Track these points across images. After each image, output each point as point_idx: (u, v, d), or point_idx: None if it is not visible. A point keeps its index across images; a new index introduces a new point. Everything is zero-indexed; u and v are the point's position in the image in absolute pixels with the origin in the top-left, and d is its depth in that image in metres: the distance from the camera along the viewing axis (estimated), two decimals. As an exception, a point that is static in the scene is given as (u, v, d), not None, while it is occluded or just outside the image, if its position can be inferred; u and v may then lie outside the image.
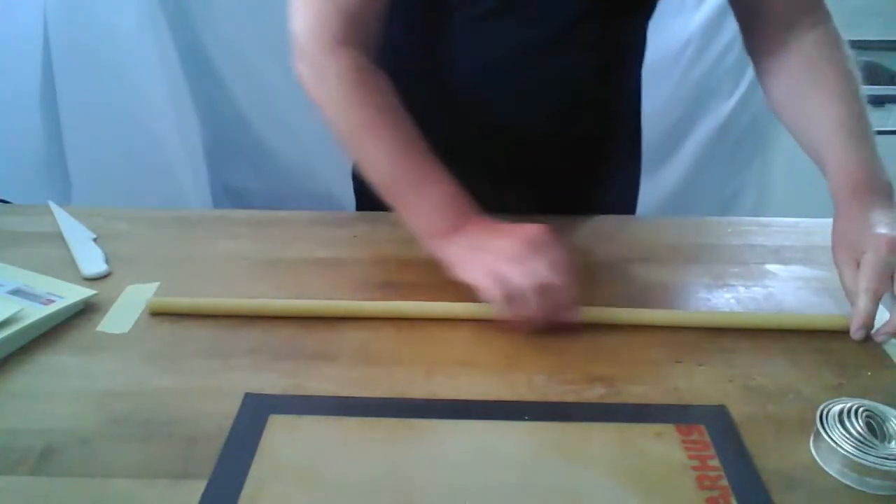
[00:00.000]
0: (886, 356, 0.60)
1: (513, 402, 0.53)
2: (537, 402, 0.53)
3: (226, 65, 1.50)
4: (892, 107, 1.73)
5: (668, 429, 0.51)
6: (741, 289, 0.69)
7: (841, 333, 0.62)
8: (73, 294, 0.63)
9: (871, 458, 0.46)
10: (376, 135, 0.67)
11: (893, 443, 0.47)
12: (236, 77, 1.50)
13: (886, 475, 0.45)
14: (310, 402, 0.53)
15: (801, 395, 0.55)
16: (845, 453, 0.46)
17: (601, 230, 0.80)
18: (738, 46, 1.56)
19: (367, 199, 0.86)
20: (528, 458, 0.48)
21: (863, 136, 0.67)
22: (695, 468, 0.47)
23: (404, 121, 0.68)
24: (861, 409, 0.49)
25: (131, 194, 1.45)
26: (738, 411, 0.53)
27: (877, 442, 0.47)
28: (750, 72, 1.60)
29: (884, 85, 1.91)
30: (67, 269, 0.70)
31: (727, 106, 1.61)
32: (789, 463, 0.48)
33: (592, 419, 0.52)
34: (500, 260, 0.60)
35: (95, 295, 0.64)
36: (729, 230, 0.81)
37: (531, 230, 0.62)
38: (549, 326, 0.60)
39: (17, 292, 0.63)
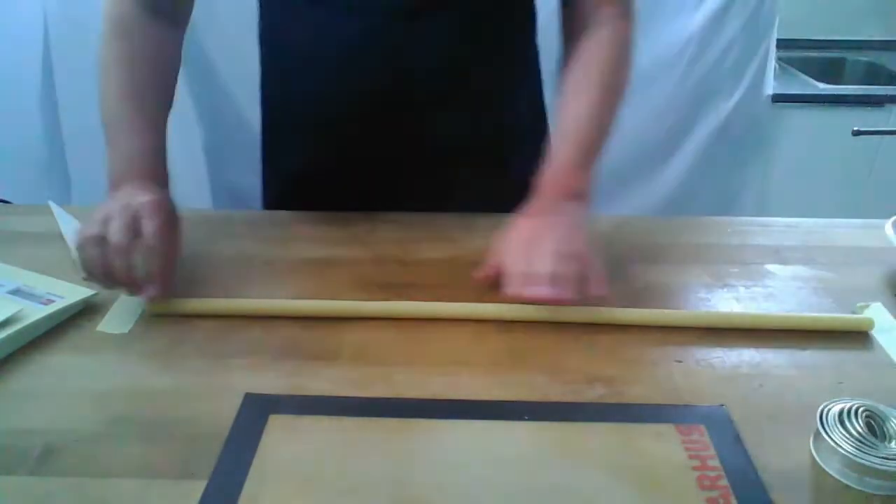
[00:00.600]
0: (886, 356, 0.60)
1: (513, 402, 0.53)
2: (537, 402, 0.53)
3: (226, 66, 1.50)
4: (892, 107, 1.73)
5: (668, 429, 0.51)
6: (741, 289, 0.69)
7: (841, 333, 0.62)
8: (73, 294, 0.63)
9: (871, 458, 0.46)
10: (109, 80, 0.71)
11: (893, 443, 0.47)
12: (236, 78, 1.50)
13: (886, 475, 0.45)
14: (310, 402, 0.53)
15: (801, 395, 0.55)
16: (845, 453, 0.46)
17: (601, 230, 0.80)
18: (738, 46, 1.57)
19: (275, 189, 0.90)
20: (528, 458, 0.48)
21: (585, 145, 0.72)
22: (695, 468, 0.47)
23: (143, 72, 0.72)
24: (861, 409, 0.49)
25: (131, 194, 1.45)
26: (738, 411, 0.53)
27: (877, 442, 0.47)
28: (750, 72, 1.60)
29: (884, 85, 1.91)
30: (67, 269, 0.70)
31: (727, 106, 1.61)
32: (789, 463, 0.48)
33: (592, 419, 0.52)
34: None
35: (95, 295, 0.64)
36: (729, 230, 0.81)
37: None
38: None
39: (17, 292, 0.63)
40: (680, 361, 0.58)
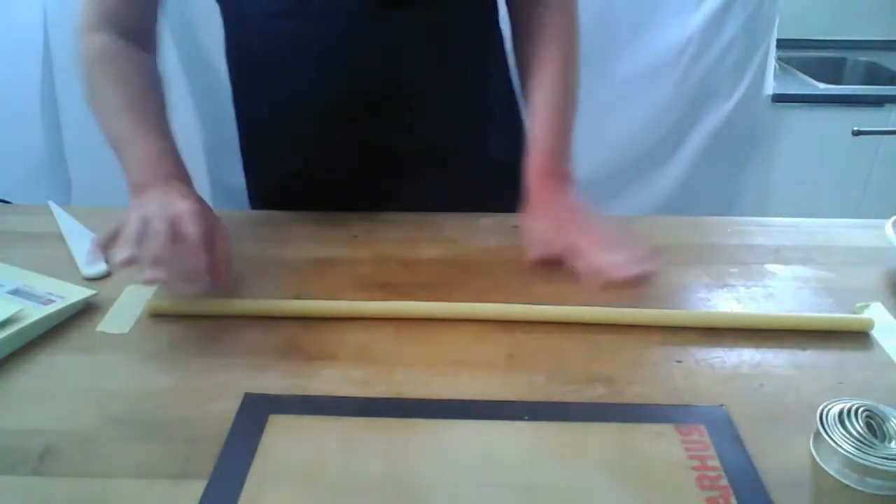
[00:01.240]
0: (886, 356, 0.60)
1: (513, 402, 0.53)
2: (537, 402, 0.53)
3: (226, 65, 1.50)
4: (892, 107, 1.73)
5: (668, 429, 0.51)
6: (741, 289, 0.69)
7: (841, 333, 0.62)
8: (73, 294, 0.63)
9: (871, 458, 0.46)
10: (106, 101, 0.73)
11: (893, 443, 0.47)
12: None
13: (886, 475, 0.45)
14: (310, 402, 0.53)
15: (801, 395, 0.55)
16: (845, 453, 0.46)
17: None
18: (738, 46, 1.57)
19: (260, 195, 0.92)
20: (528, 458, 0.48)
21: (560, 131, 0.77)
22: (695, 468, 0.47)
23: (136, 87, 0.74)
24: (861, 409, 0.49)
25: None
26: (738, 411, 0.53)
27: (877, 442, 0.47)
28: (750, 72, 1.60)
29: (884, 85, 1.91)
30: (67, 269, 0.70)
31: (727, 106, 1.61)
32: (789, 463, 0.48)
33: (592, 419, 0.52)
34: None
35: (95, 295, 0.64)
36: (729, 230, 0.81)
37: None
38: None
39: (17, 292, 0.63)
40: (680, 361, 0.58)
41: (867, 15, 2.07)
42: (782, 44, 1.71)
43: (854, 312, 0.65)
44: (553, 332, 0.62)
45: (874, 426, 0.48)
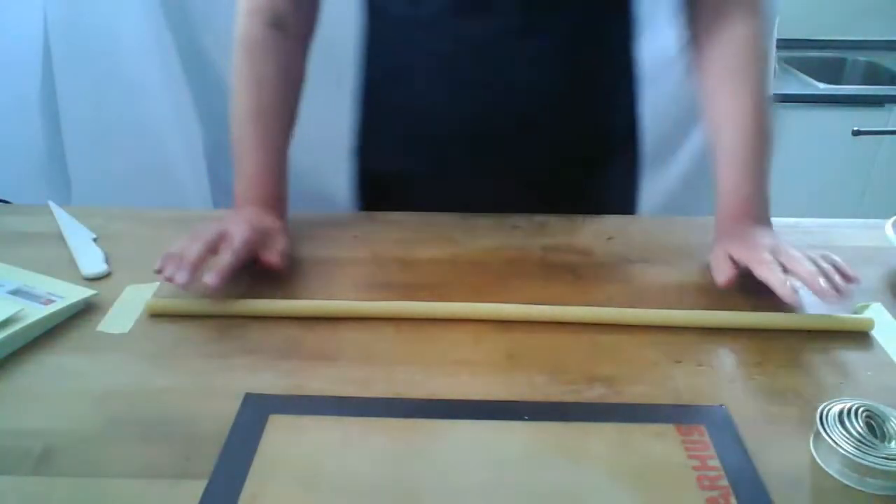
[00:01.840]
0: (886, 356, 0.60)
1: (513, 402, 0.53)
2: (537, 402, 0.53)
3: (226, 65, 1.50)
4: (892, 107, 1.73)
5: (668, 429, 0.51)
6: (741, 289, 0.69)
7: (841, 333, 0.62)
8: (73, 294, 0.63)
9: (871, 458, 0.46)
10: (240, 99, 0.76)
11: (893, 443, 0.47)
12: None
13: (886, 475, 0.45)
14: (310, 402, 0.53)
15: (801, 395, 0.55)
16: (845, 453, 0.46)
17: (601, 230, 0.80)
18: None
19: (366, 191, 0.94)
20: (528, 458, 0.48)
21: (756, 166, 0.71)
22: (695, 468, 0.47)
23: (268, 94, 0.76)
24: (861, 409, 0.49)
25: (131, 194, 1.45)
26: (738, 411, 0.53)
27: (877, 442, 0.47)
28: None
29: (884, 85, 1.91)
30: (67, 269, 0.70)
31: (728, 106, 1.61)
32: (789, 463, 0.48)
33: (592, 419, 0.52)
34: None
35: (95, 295, 0.64)
36: (729, 230, 0.81)
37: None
38: None
39: (17, 292, 0.63)
40: (680, 361, 0.58)
41: (867, 15, 2.07)
42: (782, 44, 1.71)
43: (854, 312, 0.65)
44: (553, 332, 0.62)
45: (874, 426, 0.48)
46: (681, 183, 1.68)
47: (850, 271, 0.63)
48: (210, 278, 0.62)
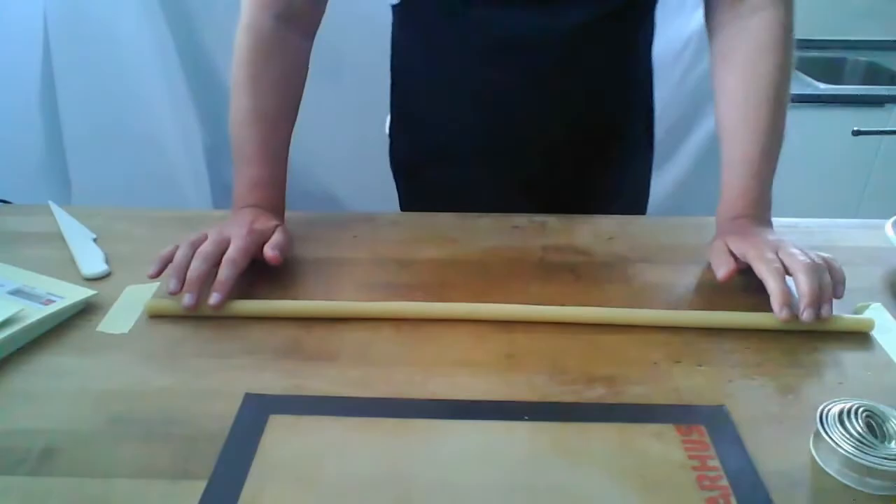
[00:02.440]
0: (886, 356, 0.60)
1: (513, 402, 0.53)
2: (537, 402, 0.53)
3: (226, 65, 1.50)
4: (892, 107, 1.73)
5: (668, 429, 0.51)
6: (741, 289, 0.69)
7: (841, 333, 0.62)
8: (73, 294, 0.63)
9: (871, 458, 0.46)
10: (241, 99, 0.75)
11: (893, 443, 0.47)
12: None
13: (886, 475, 0.45)
14: (310, 402, 0.53)
15: (801, 395, 0.55)
16: (845, 453, 0.46)
17: (601, 230, 0.80)
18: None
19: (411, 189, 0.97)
20: (528, 458, 0.48)
21: (762, 167, 0.72)
22: (695, 468, 0.47)
23: (272, 97, 0.75)
24: (861, 409, 0.49)
25: (131, 194, 1.45)
26: (738, 411, 0.53)
27: (877, 442, 0.47)
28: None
29: (884, 85, 1.91)
30: (67, 269, 0.70)
31: (728, 106, 1.61)
32: (789, 463, 0.48)
33: (592, 419, 0.52)
34: None
35: (95, 295, 0.64)
36: (729, 230, 0.80)
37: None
38: None
39: (17, 292, 0.63)
40: (680, 361, 0.58)
41: (867, 15, 2.06)
42: (782, 44, 1.71)
43: (854, 313, 0.65)
44: (553, 332, 0.62)
45: (874, 426, 0.48)
46: (681, 182, 1.68)
47: (840, 290, 0.63)
48: (214, 299, 0.62)
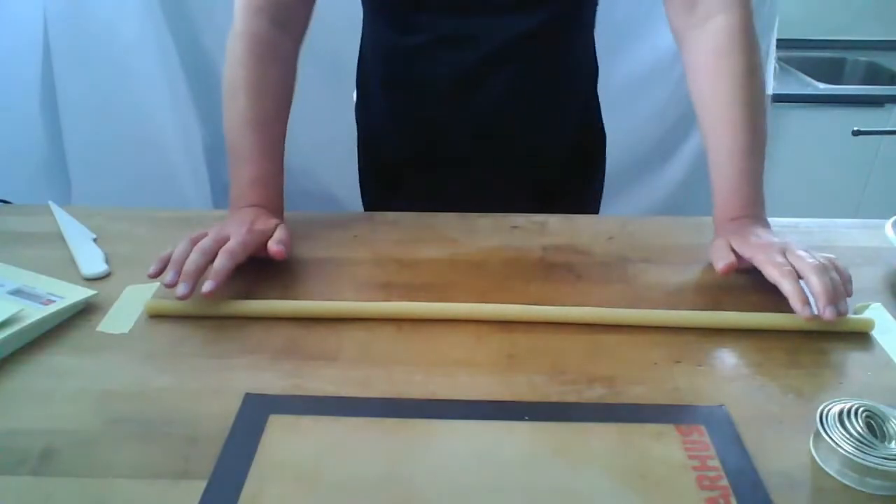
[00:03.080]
0: (886, 356, 0.60)
1: (513, 402, 0.53)
2: (537, 402, 0.53)
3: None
4: (892, 107, 1.73)
5: (668, 429, 0.51)
6: (741, 289, 0.69)
7: (841, 333, 0.62)
8: (73, 294, 0.63)
9: (871, 458, 0.46)
10: (237, 101, 0.75)
11: (893, 443, 0.47)
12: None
13: (886, 475, 0.45)
14: (310, 402, 0.53)
15: (801, 395, 0.55)
16: (845, 453, 0.46)
17: (601, 230, 0.80)
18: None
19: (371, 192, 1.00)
20: (528, 458, 0.48)
21: (750, 165, 0.71)
22: (695, 468, 0.47)
23: (268, 99, 0.76)
24: (861, 409, 0.49)
25: (131, 194, 1.45)
26: (738, 411, 0.53)
27: (877, 442, 0.47)
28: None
29: (884, 85, 1.91)
30: (67, 269, 0.70)
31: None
32: (789, 463, 0.48)
33: (592, 419, 0.52)
34: None
35: (95, 295, 0.64)
36: (729, 230, 0.80)
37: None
38: None
39: (17, 292, 0.63)
40: (680, 361, 0.58)
41: (867, 15, 2.07)
42: (782, 44, 1.71)
43: (854, 313, 0.65)
44: (553, 332, 0.62)
45: (874, 426, 0.48)
46: (681, 183, 1.68)
47: (850, 288, 0.63)
48: (208, 286, 0.62)
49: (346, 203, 1.60)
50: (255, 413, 0.52)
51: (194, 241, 0.66)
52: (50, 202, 0.82)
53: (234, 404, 0.52)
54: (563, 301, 0.65)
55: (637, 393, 0.55)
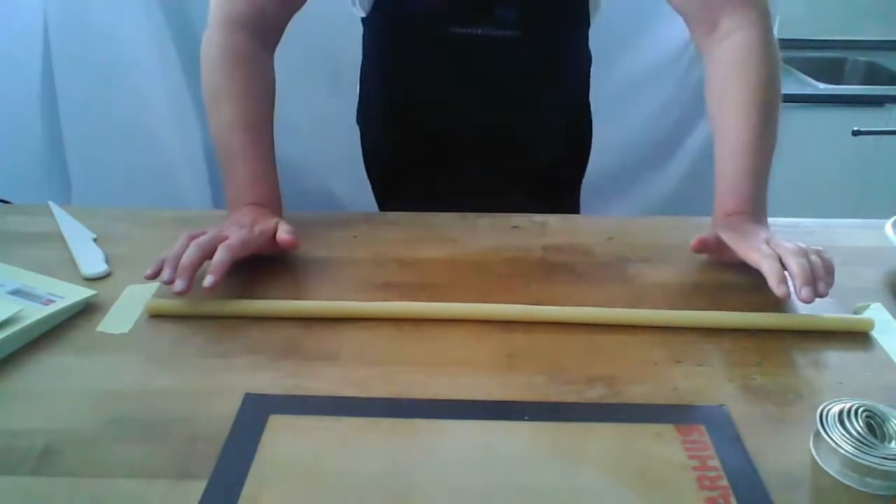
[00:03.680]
0: (886, 356, 0.60)
1: (513, 402, 0.53)
2: (537, 402, 0.53)
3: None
4: (892, 107, 1.73)
5: (668, 429, 0.51)
6: (741, 289, 0.69)
7: (841, 333, 0.62)
8: (73, 294, 0.63)
9: (871, 458, 0.46)
10: (222, 109, 0.76)
11: (893, 443, 0.47)
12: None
13: (886, 475, 0.45)
14: (310, 402, 0.53)
15: (801, 395, 0.55)
16: (845, 453, 0.46)
17: (601, 230, 0.80)
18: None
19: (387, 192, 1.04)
20: (528, 458, 0.48)
21: (755, 167, 0.72)
22: (695, 468, 0.47)
23: (251, 102, 0.76)
24: (861, 409, 0.49)
25: (131, 195, 1.45)
26: (738, 411, 0.53)
27: (877, 442, 0.47)
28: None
29: (884, 85, 1.91)
30: (67, 269, 0.70)
31: (728, 106, 1.61)
32: (789, 463, 0.48)
33: (592, 419, 0.52)
34: None
35: (95, 295, 0.64)
36: (729, 230, 0.80)
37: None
38: None
39: (17, 292, 0.63)
40: (680, 361, 0.58)
41: (867, 15, 2.06)
42: (782, 44, 1.70)
43: (854, 313, 0.65)
44: (553, 332, 0.62)
45: (874, 426, 0.48)
46: (681, 183, 1.67)
47: (831, 278, 0.63)
48: (208, 281, 0.62)
49: (345, 203, 1.60)
50: (255, 413, 0.52)
51: (192, 238, 0.66)
52: (50, 202, 0.82)
53: (234, 404, 0.52)
54: (563, 301, 0.65)
55: (637, 393, 0.55)
